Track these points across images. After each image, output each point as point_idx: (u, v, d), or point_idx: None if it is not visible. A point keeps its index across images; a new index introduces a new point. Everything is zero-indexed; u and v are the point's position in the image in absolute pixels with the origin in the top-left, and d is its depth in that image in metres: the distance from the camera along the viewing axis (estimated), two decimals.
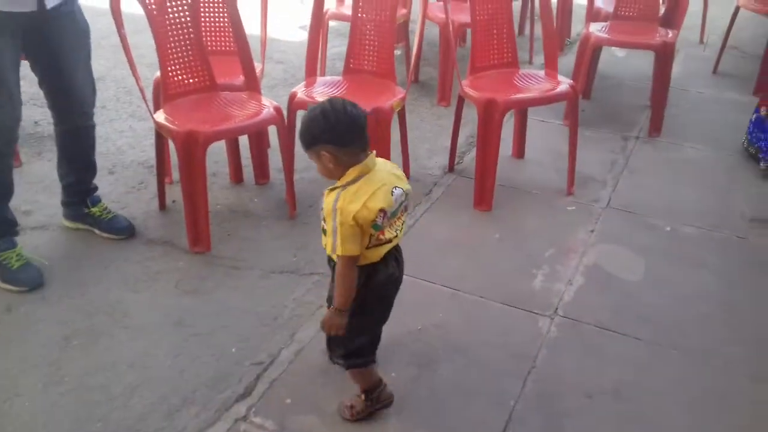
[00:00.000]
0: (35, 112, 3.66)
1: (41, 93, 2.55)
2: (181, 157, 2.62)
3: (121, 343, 2.22)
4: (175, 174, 3.10)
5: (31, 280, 2.45)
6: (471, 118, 3.42)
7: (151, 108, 2.97)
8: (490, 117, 2.90)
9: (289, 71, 4.52)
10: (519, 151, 3.49)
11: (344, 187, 1.68)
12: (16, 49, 2.33)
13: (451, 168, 3.36)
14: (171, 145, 2.86)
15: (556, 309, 2.40)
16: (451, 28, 3.24)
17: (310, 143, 1.71)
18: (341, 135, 1.68)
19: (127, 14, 2.60)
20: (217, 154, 3.26)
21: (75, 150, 2.69)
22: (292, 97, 3.00)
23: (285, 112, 2.89)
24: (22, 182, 2.64)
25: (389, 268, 1.79)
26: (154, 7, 2.76)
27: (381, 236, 1.71)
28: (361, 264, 1.72)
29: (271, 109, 2.83)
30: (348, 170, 1.69)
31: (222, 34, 3.32)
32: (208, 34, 3.26)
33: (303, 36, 5.21)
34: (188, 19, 2.87)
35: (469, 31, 4.56)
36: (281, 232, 2.87)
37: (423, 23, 3.05)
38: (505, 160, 3.06)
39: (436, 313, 2.38)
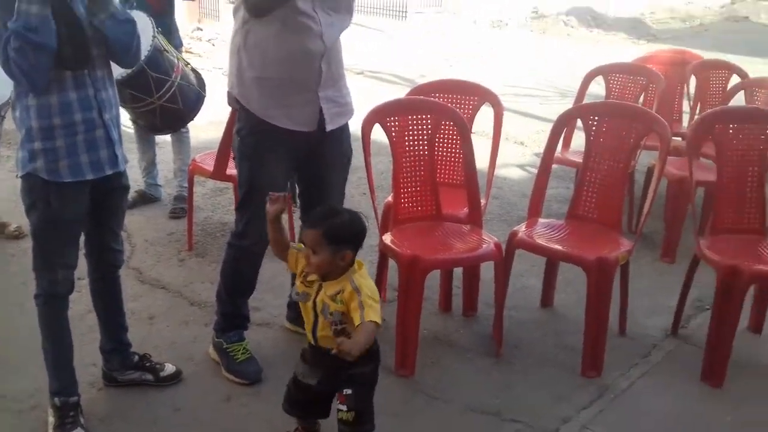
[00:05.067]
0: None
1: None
2: (402, 279, 2.73)
3: None
4: (388, 294, 3.22)
5: (252, 374, 2.60)
6: (699, 279, 3.16)
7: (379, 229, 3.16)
8: (731, 286, 2.65)
9: (505, 207, 4.59)
10: (757, 326, 3.13)
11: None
12: (290, 162, 2.55)
13: (674, 331, 3.09)
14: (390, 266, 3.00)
15: None
16: (693, 188, 3.08)
17: (338, 242, 1.96)
18: (360, 242, 2.04)
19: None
20: (428, 279, 3.32)
21: None
22: (513, 235, 3.02)
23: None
24: None
25: None
26: (395, 135, 3.01)
27: None
28: None
29: (491, 245, 2.87)
30: (347, 269, 2.01)
31: (452, 166, 3.47)
32: (439, 165, 3.43)
33: (519, 174, 5.32)
34: (425, 150, 3.08)
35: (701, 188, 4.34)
36: (484, 368, 2.80)
37: (658, 181, 2.95)
38: (740, 333, 2.76)
39: None
